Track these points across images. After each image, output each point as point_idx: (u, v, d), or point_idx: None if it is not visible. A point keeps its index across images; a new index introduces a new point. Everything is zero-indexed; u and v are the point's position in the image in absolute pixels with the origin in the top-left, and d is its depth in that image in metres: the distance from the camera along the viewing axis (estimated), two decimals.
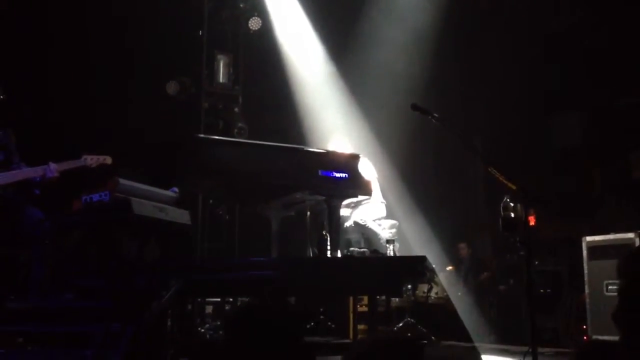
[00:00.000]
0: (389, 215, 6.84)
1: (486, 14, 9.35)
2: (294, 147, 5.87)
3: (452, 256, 9.22)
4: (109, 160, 5.11)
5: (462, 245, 9.33)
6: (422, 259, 5.23)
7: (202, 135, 6.86)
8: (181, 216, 5.33)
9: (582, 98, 8.87)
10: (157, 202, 5.12)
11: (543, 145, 9.43)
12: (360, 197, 6.12)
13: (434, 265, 6.09)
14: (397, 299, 6.26)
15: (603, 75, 8.43)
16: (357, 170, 5.72)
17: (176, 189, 5.40)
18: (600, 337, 5.69)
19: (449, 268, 8.95)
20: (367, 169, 6.51)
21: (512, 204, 4.22)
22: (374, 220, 6.55)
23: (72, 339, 4.24)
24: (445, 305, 6.70)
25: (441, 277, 7.25)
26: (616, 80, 8.31)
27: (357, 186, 5.72)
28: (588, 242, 6.24)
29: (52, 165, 4.89)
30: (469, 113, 9.37)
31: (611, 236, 6.15)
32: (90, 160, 5.06)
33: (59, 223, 5.03)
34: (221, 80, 8.56)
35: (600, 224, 7.33)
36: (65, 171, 5.00)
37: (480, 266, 9.22)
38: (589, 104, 8.89)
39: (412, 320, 5.89)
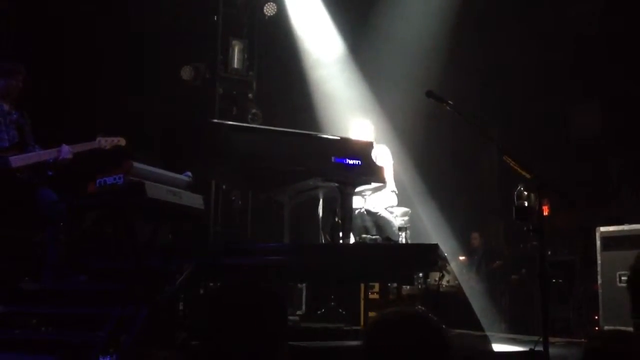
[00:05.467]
0: (402, 203, 6.83)
1: (504, 1, 9.27)
2: (307, 134, 5.85)
3: (465, 244, 9.20)
4: (122, 142, 5.13)
5: (475, 235, 9.33)
6: (434, 247, 5.22)
7: (216, 120, 6.87)
8: (194, 200, 5.35)
9: (600, 87, 8.79)
10: (171, 186, 5.14)
11: (560, 134, 9.37)
12: (374, 185, 6.11)
13: (445, 254, 6.07)
14: (408, 287, 6.26)
15: (622, 64, 8.34)
16: (371, 157, 5.71)
17: (190, 173, 5.42)
18: (612, 328, 5.67)
19: (462, 259, 8.93)
20: (385, 156, 6.50)
21: (525, 193, 4.21)
22: (386, 208, 6.54)
23: (85, 320, 4.28)
24: (456, 294, 6.69)
25: (453, 266, 7.24)
26: (635, 69, 8.22)
27: (370, 173, 5.71)
28: (602, 233, 6.21)
29: (65, 147, 4.93)
30: (485, 100, 9.32)
31: (625, 227, 6.11)
32: (105, 142, 5.08)
33: (73, 205, 5.07)
34: (235, 66, 8.56)
35: (615, 214, 7.29)
36: (80, 153, 5.03)
37: (493, 255, 9.20)
38: (608, 94, 8.81)
39: (423, 309, 5.89)
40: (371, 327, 1.72)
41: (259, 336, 1.88)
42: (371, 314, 5.64)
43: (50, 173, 4.98)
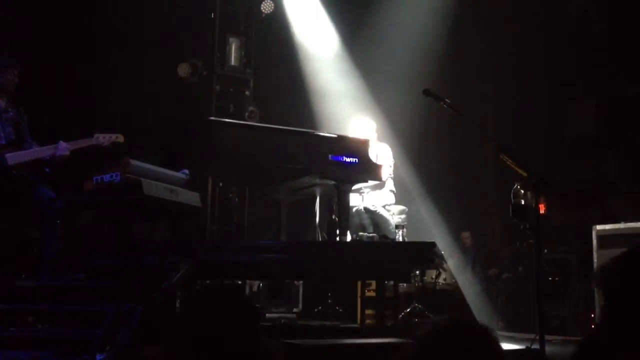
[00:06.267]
0: (399, 201, 6.83)
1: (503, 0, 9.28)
2: (304, 131, 5.87)
3: (461, 243, 9.18)
4: (121, 138, 5.10)
5: (466, 235, 9.12)
6: (431, 245, 5.23)
7: (213, 118, 6.87)
8: (192, 198, 5.33)
9: (596, 86, 8.80)
10: (168, 184, 5.12)
11: (556, 132, 9.38)
12: (371, 182, 6.12)
13: (442, 252, 6.08)
14: (405, 285, 6.26)
15: (618, 63, 8.36)
16: (368, 155, 5.72)
17: (187, 171, 5.41)
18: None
19: (458, 256, 8.91)
20: (386, 155, 6.49)
21: (522, 191, 4.22)
22: (383, 206, 6.55)
23: (82, 318, 4.28)
24: (453, 292, 6.70)
25: (450, 264, 7.24)
26: (631, 68, 8.24)
27: (367, 171, 5.72)
28: (598, 231, 6.22)
29: (63, 144, 4.91)
30: (483, 98, 9.33)
31: (622, 225, 6.13)
32: (103, 138, 5.05)
33: (70, 202, 5.06)
34: (233, 63, 8.54)
35: (612, 213, 7.31)
36: (77, 150, 5.02)
37: (488, 259, 9.15)
38: (604, 92, 8.83)
39: (420, 306, 5.89)
40: (423, 335, 1.72)
41: (239, 335, 1.91)
42: (368, 311, 5.65)
43: (47, 170, 4.96)
